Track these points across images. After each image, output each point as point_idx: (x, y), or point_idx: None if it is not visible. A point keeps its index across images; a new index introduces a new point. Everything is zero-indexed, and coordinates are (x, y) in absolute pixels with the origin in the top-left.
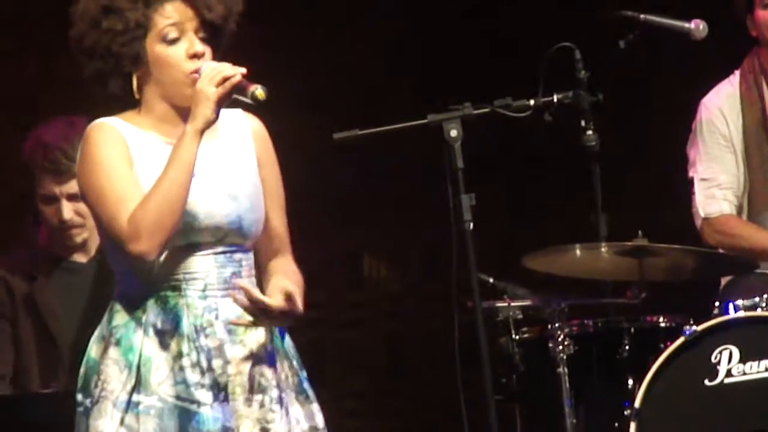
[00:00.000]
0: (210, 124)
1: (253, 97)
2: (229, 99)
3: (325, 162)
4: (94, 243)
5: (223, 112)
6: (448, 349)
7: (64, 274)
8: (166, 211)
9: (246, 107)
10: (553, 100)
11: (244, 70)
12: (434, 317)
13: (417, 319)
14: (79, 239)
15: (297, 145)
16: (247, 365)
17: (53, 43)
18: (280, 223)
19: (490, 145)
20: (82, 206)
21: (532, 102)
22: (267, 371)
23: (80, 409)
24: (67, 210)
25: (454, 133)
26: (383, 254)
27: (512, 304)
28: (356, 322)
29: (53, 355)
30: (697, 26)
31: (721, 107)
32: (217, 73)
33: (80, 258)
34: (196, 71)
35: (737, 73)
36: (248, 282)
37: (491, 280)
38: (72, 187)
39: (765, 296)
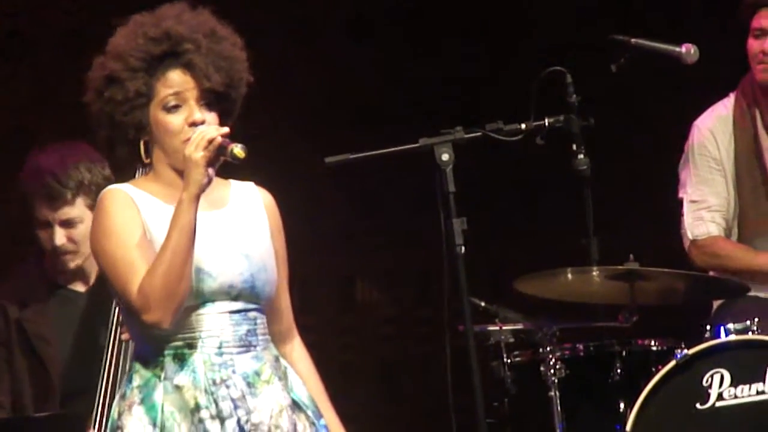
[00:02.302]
0: (203, 188)
1: (233, 156)
2: (218, 160)
3: (318, 186)
4: (93, 271)
5: (236, 184)
6: (441, 372)
7: (61, 302)
8: (174, 279)
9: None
10: (544, 124)
11: (225, 130)
12: (426, 341)
13: (409, 343)
14: (72, 265)
15: (289, 169)
16: (267, 417)
17: (47, 66)
18: (286, 300)
19: (481, 169)
20: (75, 232)
21: (523, 126)
22: (283, 423)
23: None
24: (59, 236)
25: (445, 157)
26: (375, 279)
27: (504, 327)
28: (349, 347)
29: (45, 382)
30: (688, 50)
31: (713, 130)
32: (202, 137)
33: (79, 287)
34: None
35: (732, 96)
36: (263, 341)
37: (483, 304)
38: (65, 213)
39: (756, 320)
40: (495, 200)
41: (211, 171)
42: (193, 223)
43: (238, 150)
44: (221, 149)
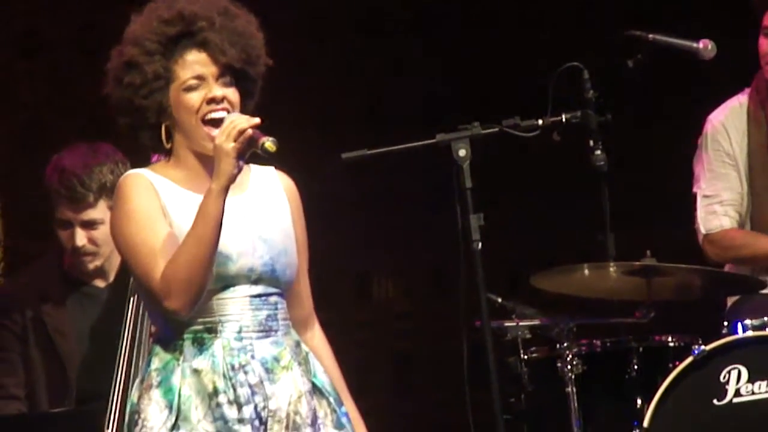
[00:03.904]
0: (233, 179)
1: (264, 150)
2: (248, 151)
3: (334, 182)
4: (113, 268)
5: (256, 168)
6: (457, 368)
7: (80, 298)
8: (196, 269)
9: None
10: (561, 119)
11: (257, 121)
12: (443, 337)
13: (425, 339)
14: (91, 266)
15: (305, 165)
16: (285, 403)
17: (64, 63)
18: (306, 285)
19: (498, 165)
20: (96, 233)
21: (540, 122)
22: (302, 409)
23: None
24: (80, 237)
25: (462, 152)
26: (391, 274)
27: (521, 323)
28: (364, 342)
29: (61, 377)
30: (705, 46)
31: (727, 125)
32: (233, 127)
33: (99, 283)
34: (210, 116)
35: (746, 91)
36: (283, 326)
37: (500, 300)
38: (87, 214)
39: None
40: (511, 196)
41: (241, 162)
42: (221, 213)
43: (269, 143)
44: (252, 141)
